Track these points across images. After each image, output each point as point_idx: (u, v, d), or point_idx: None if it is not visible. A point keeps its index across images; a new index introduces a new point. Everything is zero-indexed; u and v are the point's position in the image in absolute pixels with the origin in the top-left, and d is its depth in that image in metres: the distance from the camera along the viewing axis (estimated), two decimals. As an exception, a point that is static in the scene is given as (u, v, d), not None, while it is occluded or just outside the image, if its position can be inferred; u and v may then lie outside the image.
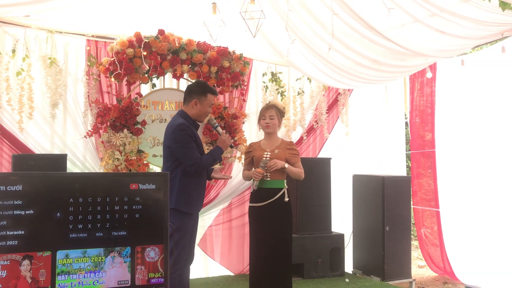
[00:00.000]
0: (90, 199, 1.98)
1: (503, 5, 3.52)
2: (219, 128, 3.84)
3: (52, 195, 1.93)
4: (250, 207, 4.09)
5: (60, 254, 1.91)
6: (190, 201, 3.47)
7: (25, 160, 4.02)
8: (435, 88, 5.71)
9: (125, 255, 2.01)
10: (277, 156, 3.99)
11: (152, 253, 2.06)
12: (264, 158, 3.93)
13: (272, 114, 4.03)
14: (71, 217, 1.94)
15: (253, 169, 4.05)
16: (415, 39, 4.27)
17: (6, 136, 4.26)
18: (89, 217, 1.97)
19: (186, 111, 3.60)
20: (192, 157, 3.44)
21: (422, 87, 5.91)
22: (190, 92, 3.61)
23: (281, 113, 4.13)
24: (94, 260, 1.96)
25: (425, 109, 5.90)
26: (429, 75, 5.54)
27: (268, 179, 3.96)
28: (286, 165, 3.96)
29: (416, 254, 7.01)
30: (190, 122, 3.56)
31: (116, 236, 2.01)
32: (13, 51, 4.30)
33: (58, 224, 1.92)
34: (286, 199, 3.99)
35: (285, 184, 4.04)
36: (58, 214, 1.93)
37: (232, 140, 3.74)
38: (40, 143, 4.41)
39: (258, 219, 4.01)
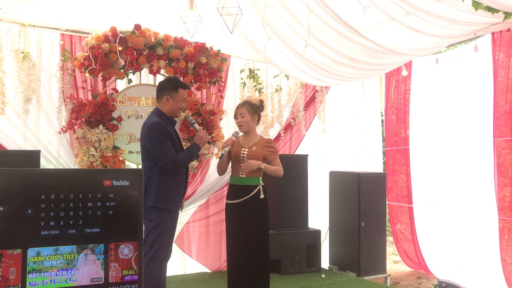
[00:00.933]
0: (63, 196, 1.94)
1: (476, 5, 3.60)
2: (196, 125, 3.83)
3: (23, 192, 1.89)
4: (226, 204, 4.08)
5: (31, 252, 1.88)
6: (169, 198, 3.46)
7: (-3, 156, 3.93)
8: (410, 86, 5.80)
9: (99, 252, 1.99)
10: (254, 153, 3.96)
11: (126, 250, 2.04)
12: (235, 132, 4.03)
13: (242, 111, 4.00)
14: (42, 214, 1.91)
15: (230, 163, 4.06)
16: (391, 37, 4.32)
17: (-23, 132, 4.16)
18: (62, 214, 1.94)
19: (160, 108, 3.61)
20: (167, 155, 3.44)
21: (398, 85, 5.99)
22: (162, 89, 3.62)
23: (255, 108, 4.07)
24: (66, 257, 1.93)
25: (400, 107, 5.98)
26: (404, 73, 5.62)
27: (244, 176, 3.95)
28: (263, 166, 3.92)
29: (391, 250, 7.12)
30: (165, 120, 3.56)
31: (89, 233, 1.98)
32: (-16, 44, 4.20)
33: (29, 221, 1.89)
34: (262, 196, 3.96)
35: (261, 181, 4.01)
36: (29, 211, 1.89)
37: (210, 136, 3.73)
38: (12, 139, 4.32)
39: (234, 216, 4.00)
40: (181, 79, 4.90)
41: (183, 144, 4.75)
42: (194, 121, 3.85)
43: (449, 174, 5.37)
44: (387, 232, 6.24)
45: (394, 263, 6.75)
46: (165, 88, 3.61)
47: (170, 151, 3.45)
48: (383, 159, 6.58)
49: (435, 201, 5.53)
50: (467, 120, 5.17)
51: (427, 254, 5.75)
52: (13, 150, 4.21)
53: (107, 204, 2.02)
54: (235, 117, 4.07)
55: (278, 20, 4.18)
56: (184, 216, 5.19)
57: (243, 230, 3.95)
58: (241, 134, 4.02)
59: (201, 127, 3.89)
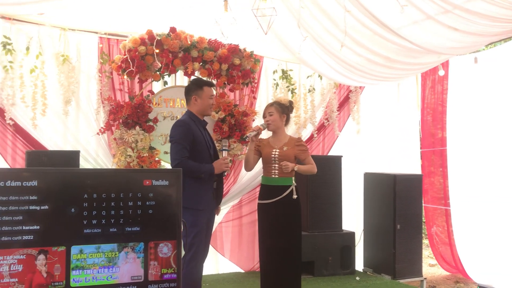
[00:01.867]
0: (104, 195, 2.00)
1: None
2: (224, 152, 3.79)
3: (66, 191, 1.95)
4: (258, 204, 4.10)
5: (74, 249, 1.94)
6: (197, 198, 3.49)
7: (39, 156, 4.06)
8: (447, 86, 5.67)
9: (138, 250, 2.03)
10: (286, 153, 3.97)
11: (165, 249, 2.08)
12: (264, 123, 4.02)
13: (271, 111, 4.02)
14: (85, 213, 1.97)
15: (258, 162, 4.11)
16: (428, 36, 4.23)
17: (20, 133, 4.30)
18: (103, 212, 1.99)
19: (190, 110, 3.71)
20: (177, 154, 3.48)
21: (433, 85, 5.87)
22: (188, 91, 3.74)
23: (284, 108, 4.08)
24: (108, 255, 1.98)
25: (437, 107, 5.86)
26: (441, 72, 5.50)
27: (276, 176, 3.96)
28: (296, 168, 3.95)
29: (427, 253, 6.98)
30: (194, 119, 3.65)
31: (130, 232, 2.03)
32: (27, 48, 4.34)
33: (73, 219, 1.95)
34: (294, 196, 3.97)
35: (293, 182, 4.02)
36: (73, 209, 1.95)
37: (227, 168, 3.74)
38: (53, 139, 4.45)
39: (266, 216, 4.02)
40: (214, 81, 4.98)
41: (216, 145, 4.81)
42: (226, 148, 3.83)
43: (488, 175, 5.23)
44: (422, 235, 6.14)
45: (430, 267, 6.62)
46: (191, 89, 3.72)
47: (181, 152, 3.47)
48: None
49: (473, 204, 5.39)
50: (506, 120, 5.02)
51: (464, 258, 5.61)
52: (53, 151, 4.33)
53: (147, 203, 2.06)
54: (264, 116, 4.11)
55: (313, 21, 4.16)
56: (217, 216, 5.22)
57: (275, 231, 3.96)
58: (265, 126, 4.02)
59: (228, 157, 3.80)
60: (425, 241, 6.67)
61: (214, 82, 5.00)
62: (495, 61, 5.08)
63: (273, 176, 3.96)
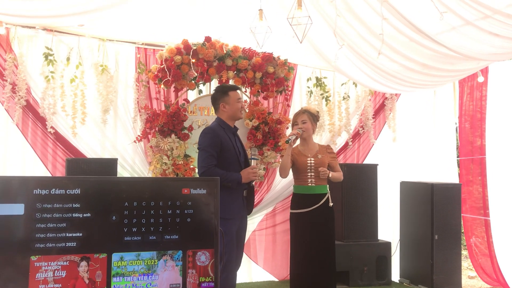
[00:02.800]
0: (144, 203, 2.03)
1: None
2: (253, 161, 3.72)
3: (108, 199, 2.00)
4: (292, 213, 4.07)
5: (115, 257, 1.98)
6: (224, 206, 3.45)
7: (78, 164, 4.17)
8: (486, 93, 5.51)
9: (177, 258, 2.05)
10: (321, 161, 4.03)
11: (203, 257, 2.09)
12: (299, 129, 4.01)
13: (303, 118, 4.06)
14: (126, 221, 2.00)
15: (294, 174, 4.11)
16: (467, 42, 4.13)
17: (60, 141, 4.43)
18: (143, 220, 2.02)
19: (219, 117, 3.70)
20: (204, 162, 3.46)
21: (471, 92, 5.72)
22: (215, 99, 3.73)
23: (314, 117, 4.15)
24: (147, 263, 2.01)
25: (475, 114, 5.70)
26: (480, 79, 5.36)
27: (313, 185, 3.97)
28: (330, 175, 4.02)
29: (466, 264, 6.77)
30: (223, 126, 3.64)
31: (169, 240, 2.05)
32: (68, 59, 4.48)
33: (114, 227, 1.99)
34: (331, 204, 4.03)
35: (328, 189, 4.07)
36: (114, 217, 1.99)
37: (258, 177, 3.68)
38: (91, 147, 4.57)
39: (302, 226, 4.01)
40: (248, 89, 5.00)
41: (249, 152, 4.82)
42: (255, 157, 3.74)
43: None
44: (461, 245, 5.96)
45: (470, 279, 6.41)
46: (217, 97, 3.70)
47: (208, 160, 3.44)
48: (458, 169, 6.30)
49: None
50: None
51: (506, 270, 5.41)
52: (92, 158, 4.45)
53: (186, 211, 2.09)
54: (295, 123, 4.13)
55: (348, 28, 4.13)
56: (251, 224, 5.22)
57: (311, 240, 3.94)
58: (302, 131, 4.04)
59: (256, 166, 3.75)
60: (464, 252, 6.48)
61: (247, 89, 5.03)
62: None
63: (310, 184, 3.97)
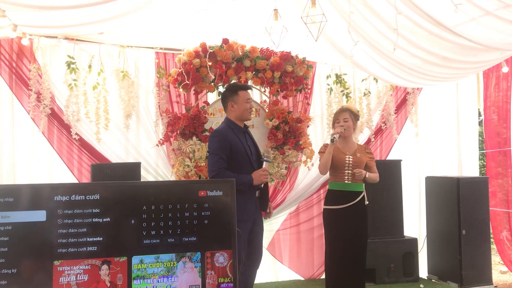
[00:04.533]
0: (162, 207, 2.07)
1: None
2: (265, 162, 3.63)
3: (126, 203, 2.04)
4: (327, 209, 4.10)
5: (135, 260, 2.02)
6: (237, 209, 3.44)
7: (103, 169, 4.25)
8: (511, 83, 5.38)
9: (196, 260, 2.08)
10: (360, 160, 4.08)
11: (221, 258, 2.11)
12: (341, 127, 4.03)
13: (346, 117, 4.10)
14: (144, 224, 2.04)
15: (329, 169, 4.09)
16: (488, 33, 4.05)
17: (85, 147, 4.53)
18: (161, 223, 2.06)
19: (228, 117, 3.67)
20: (213, 166, 3.41)
21: (498, 82, 5.59)
22: (224, 98, 3.70)
23: (355, 116, 4.23)
24: (166, 265, 2.05)
25: (503, 105, 5.56)
26: (505, 69, 5.23)
27: (349, 182, 4.04)
28: (367, 175, 4.06)
29: (497, 259, 6.62)
30: (232, 127, 3.60)
31: (187, 242, 2.09)
32: (89, 66, 4.58)
33: (133, 230, 2.03)
34: (366, 202, 4.08)
35: (364, 188, 4.12)
36: (133, 221, 2.04)
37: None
38: (115, 152, 4.65)
39: (335, 222, 4.03)
40: (267, 89, 5.01)
41: (271, 152, 4.83)
42: (267, 159, 3.63)
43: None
44: (492, 240, 5.84)
45: (502, 274, 6.26)
46: (227, 96, 3.67)
47: (218, 163, 3.40)
48: (480, 162, 6.18)
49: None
50: None
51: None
52: (116, 163, 4.53)
53: (203, 213, 2.12)
54: (336, 121, 4.15)
55: (365, 24, 4.10)
56: (275, 223, 5.23)
57: (347, 237, 3.98)
58: (343, 129, 4.06)
59: (267, 168, 3.63)
60: (494, 247, 6.34)
61: (267, 89, 5.03)
62: None
63: (346, 181, 4.00)
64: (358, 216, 4.00)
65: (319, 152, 4.19)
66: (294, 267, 5.39)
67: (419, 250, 5.35)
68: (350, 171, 4.02)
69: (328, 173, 4.12)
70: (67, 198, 1.95)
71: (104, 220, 2.00)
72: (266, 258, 5.20)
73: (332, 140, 3.92)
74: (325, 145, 4.17)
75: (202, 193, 2.12)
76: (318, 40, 3.86)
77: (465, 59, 4.53)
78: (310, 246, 5.40)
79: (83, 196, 1.98)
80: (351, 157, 4.06)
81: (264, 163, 3.61)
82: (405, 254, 5.18)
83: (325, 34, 4.14)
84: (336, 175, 4.09)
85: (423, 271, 5.43)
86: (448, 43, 4.19)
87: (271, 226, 5.20)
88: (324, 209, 4.14)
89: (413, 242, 5.26)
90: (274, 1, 3.90)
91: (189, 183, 2.63)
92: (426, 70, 4.69)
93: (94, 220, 1.98)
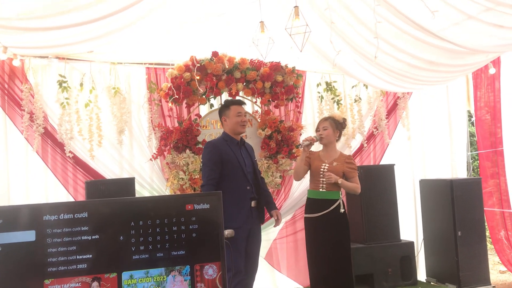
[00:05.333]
0: (150, 222, 2.10)
1: None
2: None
3: (114, 220, 2.07)
4: (305, 218, 4.14)
5: (125, 275, 2.05)
6: (228, 216, 3.51)
7: (97, 185, 4.28)
8: (500, 83, 5.44)
9: (185, 273, 2.11)
10: (334, 169, 4.06)
11: (210, 271, 2.14)
12: (317, 135, 4.10)
13: (325, 125, 4.13)
14: (133, 240, 2.07)
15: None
16: (472, 36, 4.11)
17: (79, 164, 4.56)
18: (150, 238, 2.09)
19: (224, 130, 3.94)
20: (204, 176, 3.69)
21: (490, 82, 5.63)
22: (219, 113, 3.99)
23: (337, 124, 4.20)
24: (156, 279, 2.08)
25: (496, 105, 5.61)
26: (492, 71, 5.29)
27: (324, 190, 4.01)
28: (340, 181, 4.00)
29: (496, 259, 6.63)
30: (226, 139, 3.84)
31: (176, 256, 2.12)
32: (81, 84, 4.62)
33: (122, 246, 2.06)
34: (342, 210, 4.02)
35: (340, 196, 4.09)
36: (121, 237, 2.07)
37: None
38: (110, 168, 4.68)
39: (313, 230, 4.08)
40: (259, 99, 5.06)
41: (264, 162, 4.87)
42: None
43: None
44: (490, 240, 5.86)
45: (501, 273, 6.28)
46: (221, 111, 3.97)
47: (208, 174, 3.65)
48: (477, 162, 6.22)
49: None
50: None
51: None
52: (110, 179, 4.56)
53: (190, 227, 2.15)
54: (317, 129, 4.20)
55: (350, 31, 4.16)
56: (272, 233, 5.25)
57: (323, 245, 3.98)
58: (318, 138, 4.12)
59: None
60: (495, 247, 6.35)
61: (258, 99, 5.08)
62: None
63: (321, 189, 4.00)
64: (336, 224, 3.98)
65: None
66: (292, 276, 5.40)
67: (416, 253, 5.38)
68: (324, 179, 4.02)
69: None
70: (56, 217, 1.98)
71: (93, 237, 2.03)
72: (264, 267, 5.23)
73: (297, 146, 4.00)
74: (310, 152, 4.21)
75: (189, 206, 2.15)
76: (305, 49, 3.92)
77: (451, 62, 4.58)
78: (308, 254, 5.41)
79: (72, 215, 2.01)
80: (326, 165, 4.06)
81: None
82: (403, 257, 5.19)
83: (312, 43, 4.21)
84: (313, 183, 4.12)
85: (421, 274, 5.45)
86: (433, 48, 4.25)
87: (268, 236, 5.22)
88: (304, 217, 4.17)
89: (410, 245, 5.28)
90: (259, 13, 3.96)
91: (175, 197, 2.66)
92: (414, 74, 4.75)
93: (83, 237, 2.01)
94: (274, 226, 4.21)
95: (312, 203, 4.07)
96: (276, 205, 5.15)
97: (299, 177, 4.22)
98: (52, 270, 1.95)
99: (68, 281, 1.97)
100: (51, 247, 1.97)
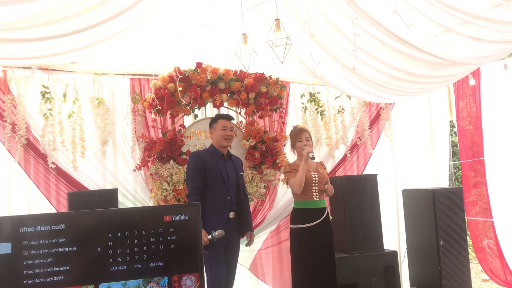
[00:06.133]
0: (127, 233, 2.11)
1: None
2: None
3: (92, 232, 2.08)
4: (295, 229, 4.14)
5: (102, 287, 2.04)
6: (210, 226, 3.56)
7: (79, 197, 4.26)
8: (480, 94, 5.54)
9: (163, 284, 2.12)
10: (322, 176, 4.21)
11: (189, 282, 2.15)
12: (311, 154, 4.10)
13: (307, 136, 4.21)
14: (110, 251, 2.08)
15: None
16: (450, 48, 4.19)
17: (62, 175, 4.53)
18: (127, 250, 2.10)
19: (212, 142, 4.09)
20: (188, 185, 3.87)
21: (473, 93, 5.73)
22: (209, 126, 4.15)
23: (310, 135, 4.37)
24: (134, 291, 2.08)
25: (479, 115, 5.70)
26: (471, 82, 5.39)
27: (317, 199, 4.13)
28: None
29: (480, 268, 6.70)
30: (211, 151, 4.00)
31: (154, 267, 2.12)
32: (64, 95, 4.61)
33: (99, 258, 2.06)
34: (331, 217, 4.21)
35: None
36: (99, 249, 2.07)
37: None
38: (93, 179, 4.66)
39: (302, 240, 4.10)
40: (243, 110, 5.10)
41: (249, 172, 4.89)
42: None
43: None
44: (472, 249, 5.92)
45: (484, 282, 6.34)
46: (210, 124, 4.17)
47: (193, 184, 3.79)
48: (451, 172, 6.32)
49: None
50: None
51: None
52: (93, 190, 4.54)
53: (168, 238, 2.16)
54: (299, 140, 4.22)
55: (331, 42, 4.22)
56: (256, 243, 5.25)
57: (311, 254, 4.02)
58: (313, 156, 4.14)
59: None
60: (478, 255, 6.41)
61: (242, 110, 5.12)
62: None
63: (315, 198, 4.06)
64: (325, 232, 4.07)
65: (286, 172, 4.23)
66: (277, 286, 5.39)
67: (400, 263, 5.41)
68: (317, 188, 4.11)
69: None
70: (32, 229, 1.98)
71: (70, 249, 2.02)
72: (249, 278, 5.23)
73: (312, 158, 4.02)
74: (290, 165, 4.25)
75: (168, 218, 2.16)
76: (288, 60, 3.97)
77: (431, 73, 4.66)
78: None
79: (49, 226, 2.01)
80: (316, 173, 4.17)
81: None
82: (386, 267, 5.21)
83: (295, 53, 4.26)
84: (305, 193, 4.13)
85: (405, 284, 5.48)
86: (413, 60, 4.32)
87: (252, 246, 5.16)
88: (291, 228, 4.18)
89: (394, 255, 5.30)
90: (242, 25, 4.00)
91: (153, 209, 2.67)
92: (395, 85, 4.81)
93: (60, 249, 2.01)
94: (246, 246, 4.28)
95: (303, 213, 4.11)
96: (262, 215, 5.20)
97: (301, 188, 4.12)
98: (28, 283, 1.95)
99: (44, 293, 1.96)
100: (27, 259, 1.96)
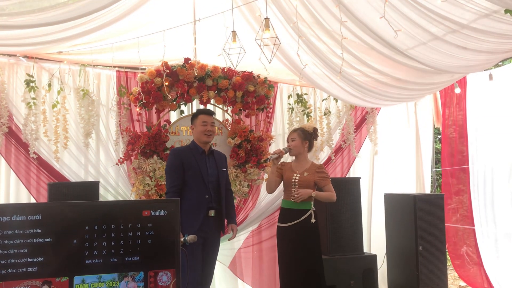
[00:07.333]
0: (105, 226, 2.08)
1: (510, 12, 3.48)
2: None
3: (69, 223, 2.05)
4: (278, 227, 4.19)
5: (77, 280, 2.02)
6: (188, 223, 3.55)
7: (60, 188, 4.21)
8: (466, 103, 5.61)
9: (139, 279, 2.10)
10: (305, 179, 4.12)
11: (165, 278, 2.13)
12: (286, 147, 4.18)
13: (293, 136, 4.20)
14: (86, 244, 2.05)
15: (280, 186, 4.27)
16: (437, 56, 4.22)
17: (43, 166, 4.48)
18: (104, 243, 2.07)
19: (193, 138, 4.03)
20: (167, 182, 3.83)
21: (459, 101, 5.79)
22: (190, 122, 4.09)
23: (306, 135, 4.27)
24: (109, 285, 2.06)
25: (464, 124, 5.77)
26: (457, 90, 5.45)
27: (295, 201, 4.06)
28: (314, 194, 4.09)
29: (456, 275, 6.77)
30: (192, 147, 3.96)
31: (130, 262, 2.10)
32: (49, 85, 4.56)
33: (75, 250, 2.04)
34: (313, 220, 4.08)
35: (312, 206, 4.14)
36: (75, 241, 2.04)
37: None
38: (74, 171, 4.61)
39: (285, 240, 4.12)
40: (230, 108, 5.08)
41: (233, 170, 4.88)
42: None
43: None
44: (451, 255, 5.98)
45: (460, 289, 6.42)
46: (191, 120, 4.09)
47: (172, 181, 3.77)
48: (433, 179, 6.39)
49: (497, 222, 5.26)
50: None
51: (494, 278, 5.43)
52: (74, 182, 4.49)
53: (146, 233, 2.14)
54: (287, 141, 4.30)
55: (319, 43, 4.23)
56: (236, 242, 5.25)
57: (294, 254, 4.03)
58: (287, 150, 4.20)
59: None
60: (456, 262, 6.48)
61: (229, 108, 5.10)
62: (510, 76, 5.02)
63: (293, 199, 4.05)
64: (307, 234, 4.04)
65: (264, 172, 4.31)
66: (256, 285, 5.40)
67: (379, 267, 5.44)
68: (295, 190, 4.09)
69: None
70: (8, 219, 1.95)
71: (46, 240, 1.99)
72: (228, 276, 5.23)
73: (265, 160, 4.10)
74: (282, 164, 4.29)
75: (146, 212, 2.14)
76: (276, 61, 3.98)
77: (418, 80, 4.70)
78: (272, 264, 5.41)
79: (24, 217, 1.98)
80: (298, 175, 4.13)
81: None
82: (365, 270, 5.24)
83: (284, 53, 4.26)
84: (286, 193, 4.19)
85: (383, 287, 5.51)
86: (400, 66, 4.35)
87: (232, 245, 5.22)
88: (277, 226, 4.22)
89: (373, 258, 5.33)
90: (231, 23, 3.99)
91: (132, 203, 2.65)
92: (383, 91, 4.84)
93: (35, 240, 1.98)
94: (229, 240, 4.26)
95: (285, 213, 4.14)
96: (244, 214, 5.19)
97: (271, 190, 4.27)
98: (1, 273, 1.92)
99: (17, 284, 1.93)
100: (1, 249, 1.93)
